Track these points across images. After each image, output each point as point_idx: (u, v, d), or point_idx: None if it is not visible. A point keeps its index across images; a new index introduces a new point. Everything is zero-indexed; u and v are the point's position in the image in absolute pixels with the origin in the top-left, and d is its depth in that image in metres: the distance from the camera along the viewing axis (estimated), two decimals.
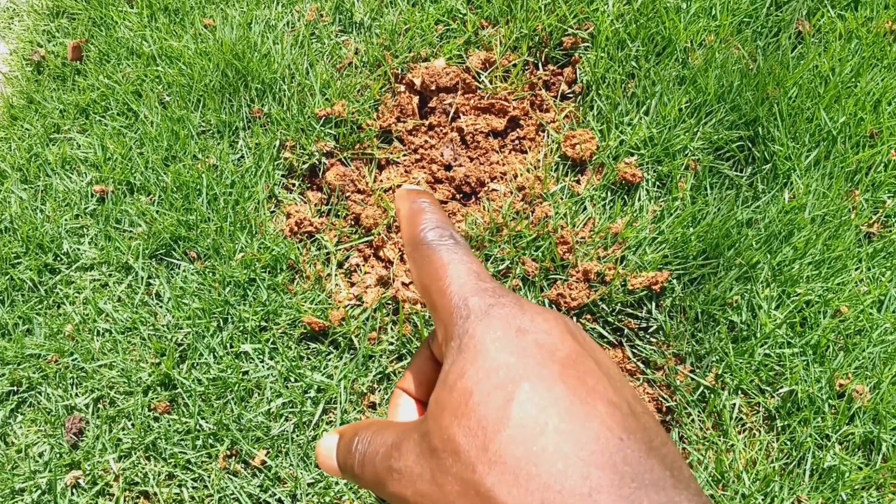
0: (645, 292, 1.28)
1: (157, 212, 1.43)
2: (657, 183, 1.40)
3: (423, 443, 0.44)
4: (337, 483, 1.18)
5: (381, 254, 1.37)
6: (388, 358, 1.27)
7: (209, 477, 1.20)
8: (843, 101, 1.44)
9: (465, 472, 0.40)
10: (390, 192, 1.42)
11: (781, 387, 1.22)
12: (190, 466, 1.22)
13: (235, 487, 1.18)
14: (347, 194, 1.43)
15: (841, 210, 1.35)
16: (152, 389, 1.28)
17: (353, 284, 1.36)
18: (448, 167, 1.46)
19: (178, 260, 1.39)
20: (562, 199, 1.38)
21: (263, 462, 1.19)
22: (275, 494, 1.18)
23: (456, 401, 0.43)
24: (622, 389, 0.42)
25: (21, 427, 1.30)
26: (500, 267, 1.32)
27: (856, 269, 1.31)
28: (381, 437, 0.50)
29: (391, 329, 1.29)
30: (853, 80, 1.48)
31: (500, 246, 1.32)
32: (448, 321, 0.48)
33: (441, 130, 1.49)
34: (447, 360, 0.46)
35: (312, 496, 1.18)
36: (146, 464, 1.23)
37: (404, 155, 1.47)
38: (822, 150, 1.40)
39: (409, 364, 0.65)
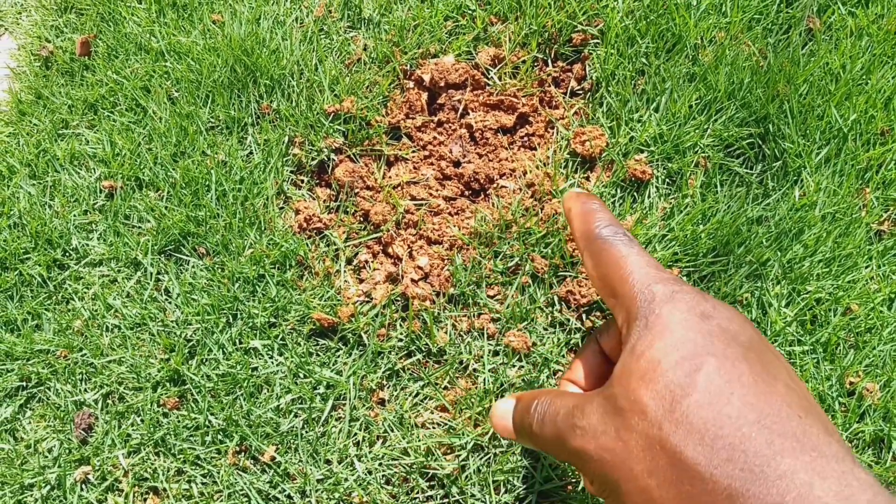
0: None
1: (166, 207, 1.43)
2: (667, 180, 1.39)
3: (608, 404, 0.47)
4: (346, 479, 1.18)
5: (389, 250, 1.37)
6: (397, 354, 1.27)
7: (218, 473, 1.20)
8: (853, 99, 1.44)
9: (651, 428, 0.43)
10: (399, 188, 1.42)
11: None
12: (199, 462, 1.22)
13: (245, 483, 1.18)
14: (356, 191, 1.43)
15: (851, 207, 1.35)
16: (161, 385, 1.28)
17: (362, 281, 1.36)
18: (457, 164, 1.46)
19: (187, 256, 1.39)
20: None
21: (273, 458, 1.20)
22: (284, 490, 1.18)
23: (643, 367, 0.46)
24: (798, 379, 0.46)
25: (30, 422, 1.30)
26: (510, 264, 1.32)
27: (866, 267, 1.31)
28: (561, 399, 0.54)
29: (400, 325, 1.29)
30: (864, 77, 1.47)
31: (509, 243, 1.32)
32: (631, 305, 0.51)
33: (450, 127, 1.49)
34: (633, 336, 0.49)
35: (322, 492, 1.18)
36: (155, 459, 1.23)
37: (413, 151, 1.47)
38: (832, 148, 1.40)
39: (577, 356, 0.69)
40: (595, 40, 1.53)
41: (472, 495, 1.16)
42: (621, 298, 0.53)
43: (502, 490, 1.17)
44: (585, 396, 0.52)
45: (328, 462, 1.20)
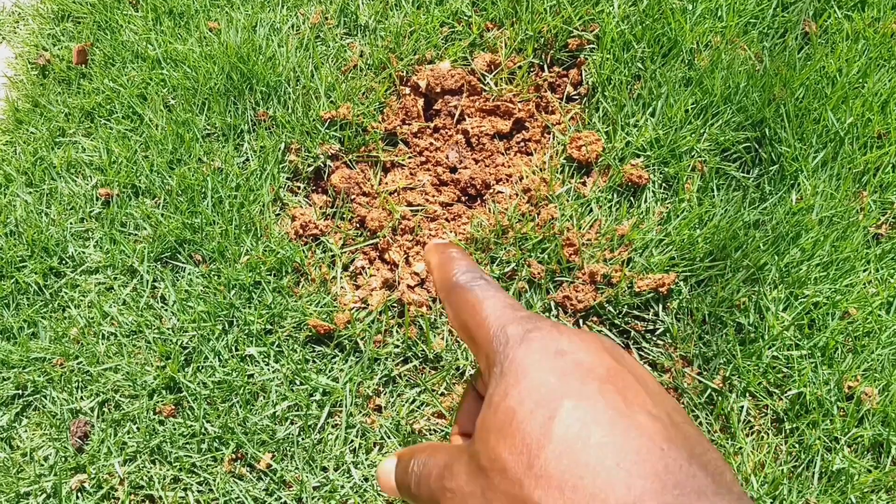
0: (652, 294, 1.27)
1: (162, 215, 1.43)
2: (663, 184, 1.39)
3: (472, 463, 0.46)
4: (343, 486, 1.17)
5: (386, 256, 1.37)
6: (393, 361, 1.27)
7: (214, 480, 1.19)
8: (850, 102, 1.44)
9: (513, 488, 0.41)
10: (395, 194, 1.42)
11: (790, 389, 1.21)
12: (195, 470, 1.21)
13: (241, 491, 1.18)
14: (352, 197, 1.43)
15: (849, 211, 1.35)
16: (157, 393, 1.28)
17: (358, 287, 1.36)
18: (453, 169, 1.46)
19: (183, 263, 1.39)
20: (568, 201, 1.38)
21: (269, 465, 1.19)
22: (280, 498, 1.18)
23: (500, 421, 0.44)
24: (662, 402, 0.43)
25: (26, 431, 1.30)
26: (506, 269, 1.31)
27: (864, 271, 1.31)
28: (434, 458, 0.53)
29: (396, 332, 1.29)
30: (860, 80, 1.47)
31: (505, 248, 1.32)
32: (489, 350, 0.50)
33: (446, 133, 1.48)
34: (490, 385, 0.47)
35: (318, 500, 1.17)
36: (151, 467, 1.23)
37: (409, 157, 1.47)
38: (829, 151, 1.40)
39: (458, 408, 0.68)
40: (591, 45, 1.53)
41: None
42: (480, 345, 0.52)
43: None
44: (456, 454, 0.50)
45: (324, 469, 1.20)
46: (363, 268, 1.37)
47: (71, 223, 1.46)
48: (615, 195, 1.38)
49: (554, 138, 1.47)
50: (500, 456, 0.43)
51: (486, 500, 0.44)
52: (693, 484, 0.37)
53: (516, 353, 0.46)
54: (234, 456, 1.21)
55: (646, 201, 1.37)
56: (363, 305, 1.32)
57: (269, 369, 1.27)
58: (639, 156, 1.40)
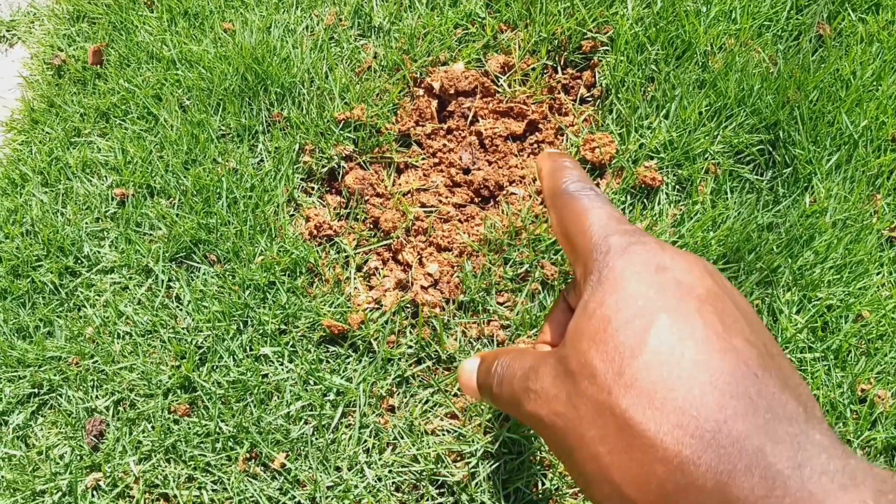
0: None
1: (177, 215, 1.44)
2: (677, 187, 1.39)
3: (560, 366, 0.46)
4: (356, 486, 1.18)
5: (399, 257, 1.37)
6: (406, 361, 1.27)
7: (229, 479, 1.20)
8: (864, 105, 1.43)
9: (601, 394, 0.41)
10: (409, 195, 1.42)
11: None
12: (210, 469, 1.22)
13: (255, 490, 1.19)
14: (366, 198, 1.44)
15: (862, 214, 1.34)
16: (172, 392, 1.28)
17: (371, 288, 1.36)
18: (467, 171, 1.46)
19: (198, 263, 1.39)
20: None
21: (283, 465, 1.20)
22: (294, 497, 1.18)
23: (594, 327, 0.44)
24: (759, 331, 0.43)
25: (42, 429, 1.31)
26: (520, 271, 1.32)
27: (878, 274, 1.31)
28: (519, 360, 0.53)
29: (410, 332, 1.29)
30: (874, 83, 1.47)
31: (518, 249, 1.32)
32: (588, 258, 0.49)
33: (460, 134, 1.49)
34: (586, 292, 0.47)
35: (332, 499, 1.18)
36: (166, 466, 1.23)
37: (423, 159, 1.47)
38: (843, 154, 1.40)
39: (546, 316, 0.67)
40: (605, 47, 1.53)
41: (482, 503, 1.16)
42: (580, 252, 0.51)
43: (512, 498, 1.17)
44: (542, 357, 0.50)
45: (338, 469, 1.20)
46: (377, 268, 1.38)
47: (86, 223, 1.47)
48: (629, 197, 1.38)
49: (567, 140, 1.47)
50: (590, 361, 0.43)
51: (572, 404, 0.44)
52: (785, 411, 0.37)
53: (616, 263, 0.46)
54: (248, 455, 1.22)
55: (659, 203, 1.37)
56: (377, 306, 1.33)
57: (283, 369, 1.27)
58: (652, 158, 1.40)
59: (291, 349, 1.29)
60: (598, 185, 1.41)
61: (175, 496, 1.21)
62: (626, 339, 0.41)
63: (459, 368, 0.62)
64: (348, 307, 1.32)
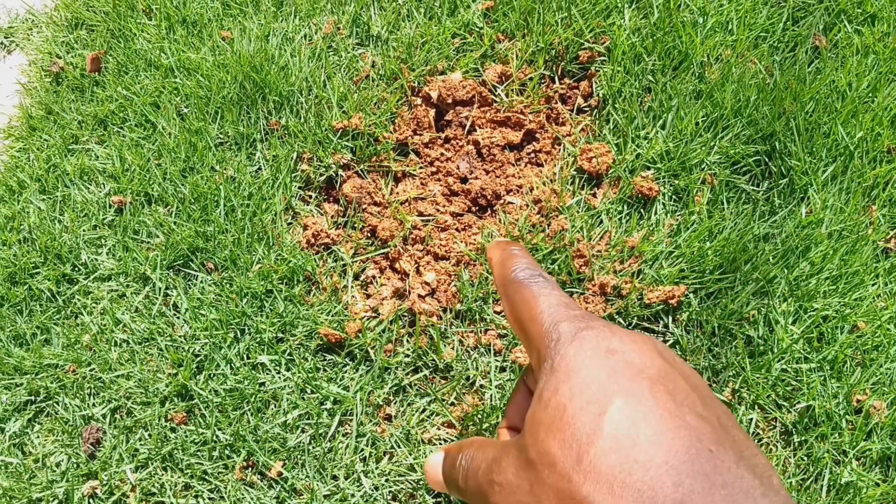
0: (662, 306, 1.28)
1: (175, 223, 1.44)
2: (673, 197, 1.40)
3: (521, 456, 0.46)
4: (353, 495, 1.18)
5: (396, 266, 1.37)
6: (403, 370, 1.27)
7: (225, 488, 1.20)
8: (860, 117, 1.44)
9: (562, 482, 0.42)
10: (407, 204, 1.43)
11: (798, 402, 1.22)
12: (206, 477, 1.22)
13: (252, 499, 1.19)
14: (364, 206, 1.44)
15: (858, 225, 1.35)
16: (169, 400, 1.28)
17: (369, 296, 1.36)
18: (464, 180, 1.47)
19: (195, 271, 1.39)
20: (578, 212, 1.38)
21: (280, 473, 1.20)
22: None
23: (550, 416, 0.44)
24: (711, 405, 0.43)
25: (38, 437, 1.31)
26: None
27: (873, 285, 1.31)
28: (482, 453, 0.53)
29: (407, 341, 1.30)
30: (870, 95, 1.48)
31: None
32: (541, 346, 0.50)
33: (457, 143, 1.49)
34: (541, 381, 0.48)
35: None
36: (163, 474, 1.23)
37: (420, 167, 1.47)
38: (839, 166, 1.40)
39: (508, 401, 0.69)
40: (602, 58, 1.54)
41: None
42: (532, 340, 0.52)
43: None
44: (504, 447, 0.50)
45: (335, 478, 1.20)
46: (374, 277, 1.38)
47: (84, 230, 1.47)
48: (625, 207, 1.39)
49: (564, 150, 1.47)
50: (549, 450, 0.44)
51: (534, 494, 0.44)
52: (741, 485, 0.38)
53: (568, 350, 0.46)
54: (245, 464, 1.22)
55: (656, 213, 1.38)
56: (374, 315, 1.33)
57: (280, 377, 1.27)
58: (649, 168, 1.41)
59: (289, 358, 1.29)
60: (594, 195, 1.41)
61: None
62: (581, 425, 0.42)
63: (426, 463, 0.63)
64: (346, 316, 1.32)
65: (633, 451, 0.39)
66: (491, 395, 1.24)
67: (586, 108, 1.53)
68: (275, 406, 1.25)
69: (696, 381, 0.46)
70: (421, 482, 1.18)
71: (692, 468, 0.38)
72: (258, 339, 1.31)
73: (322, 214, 1.46)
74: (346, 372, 1.28)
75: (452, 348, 1.29)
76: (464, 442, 0.59)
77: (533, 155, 1.48)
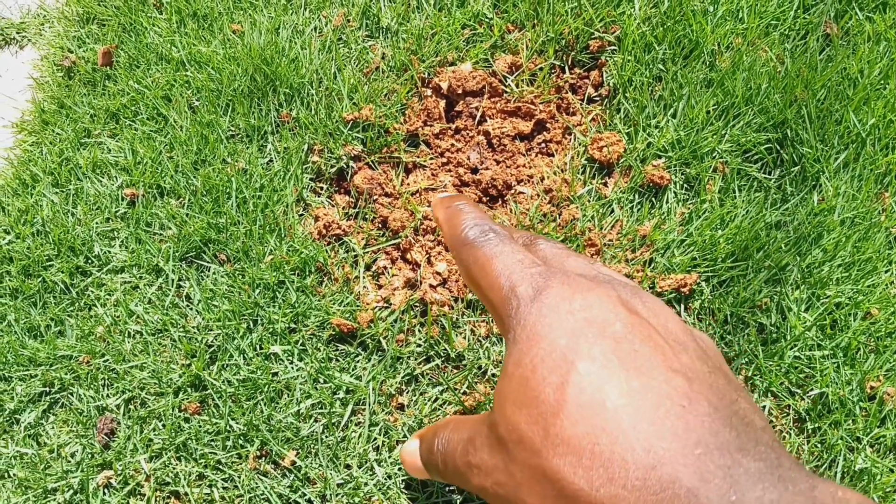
0: (674, 294, 1.28)
1: (187, 215, 1.44)
2: (685, 185, 1.39)
3: (492, 434, 0.45)
4: (366, 484, 1.18)
5: (408, 256, 1.38)
6: (415, 360, 1.28)
7: (239, 477, 1.21)
8: (872, 104, 1.43)
9: (532, 457, 0.40)
10: (417, 195, 1.43)
11: (812, 389, 1.21)
12: (220, 467, 1.22)
13: (265, 488, 1.19)
14: (375, 197, 1.44)
15: (871, 212, 1.34)
16: (183, 390, 1.29)
17: (380, 287, 1.37)
18: (475, 170, 1.47)
19: (207, 262, 1.40)
20: (589, 201, 1.38)
21: (293, 462, 1.20)
22: (305, 495, 1.19)
23: (515, 390, 0.43)
24: (682, 354, 0.41)
25: (53, 427, 1.31)
26: None
27: (886, 272, 1.31)
28: (458, 434, 0.52)
29: (419, 331, 1.30)
30: (882, 82, 1.47)
31: None
32: (503, 314, 0.48)
33: (467, 134, 1.49)
34: (506, 352, 0.46)
35: (342, 496, 1.18)
36: (177, 464, 1.24)
37: (431, 158, 1.47)
38: (851, 153, 1.40)
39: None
40: (612, 47, 1.54)
41: None
42: (496, 307, 0.49)
43: None
44: (477, 426, 0.48)
45: (348, 467, 1.21)
46: (385, 267, 1.38)
47: (97, 223, 1.48)
48: (637, 196, 1.38)
49: (575, 139, 1.47)
50: (517, 426, 0.42)
51: (509, 472, 0.43)
52: (717, 441, 0.36)
53: (528, 318, 0.45)
54: (258, 453, 1.22)
55: (667, 202, 1.38)
56: (386, 305, 1.33)
57: (293, 367, 1.28)
58: (660, 157, 1.41)
59: (301, 348, 1.30)
60: (605, 184, 1.41)
61: (186, 494, 1.21)
62: (546, 397, 0.40)
63: (402, 452, 0.60)
64: (357, 306, 1.32)
65: (600, 419, 0.37)
66: None
67: (597, 98, 1.53)
68: (288, 396, 1.26)
69: (668, 326, 0.44)
70: None
71: (661, 430, 0.36)
72: (271, 330, 1.31)
73: (333, 206, 1.46)
74: (358, 362, 1.29)
75: (464, 338, 1.29)
76: (438, 424, 0.57)
77: (543, 145, 1.48)
